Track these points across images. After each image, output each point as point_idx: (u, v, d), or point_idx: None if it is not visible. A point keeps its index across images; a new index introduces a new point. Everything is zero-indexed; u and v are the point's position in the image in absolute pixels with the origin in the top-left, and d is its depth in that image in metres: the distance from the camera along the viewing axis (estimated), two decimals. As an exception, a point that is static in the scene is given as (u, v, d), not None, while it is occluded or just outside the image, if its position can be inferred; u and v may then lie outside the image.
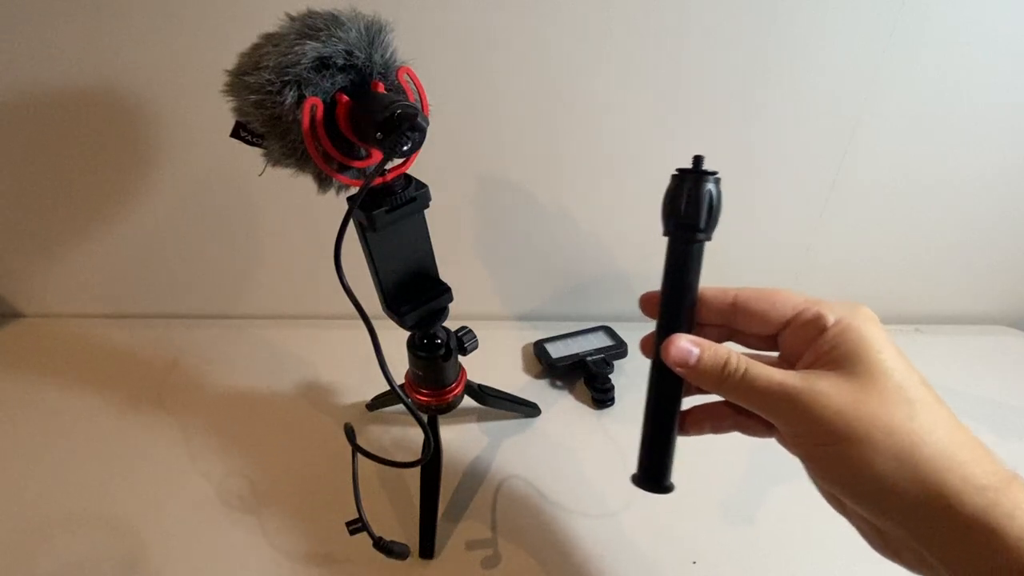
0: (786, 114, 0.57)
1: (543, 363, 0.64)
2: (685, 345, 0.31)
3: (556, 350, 0.65)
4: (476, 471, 0.53)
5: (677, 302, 0.33)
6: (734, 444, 0.55)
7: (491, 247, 0.67)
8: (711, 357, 0.31)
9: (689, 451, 0.54)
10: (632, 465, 0.54)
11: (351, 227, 0.35)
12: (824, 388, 0.27)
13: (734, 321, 0.33)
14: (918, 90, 0.55)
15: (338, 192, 0.37)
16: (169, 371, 0.64)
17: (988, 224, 0.65)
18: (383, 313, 0.44)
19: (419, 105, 0.35)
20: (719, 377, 0.30)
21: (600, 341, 0.66)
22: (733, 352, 0.31)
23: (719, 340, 0.34)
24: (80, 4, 0.50)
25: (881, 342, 0.28)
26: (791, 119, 0.57)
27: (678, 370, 0.31)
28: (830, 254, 0.67)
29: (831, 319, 0.29)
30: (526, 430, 0.57)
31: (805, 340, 0.30)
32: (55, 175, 0.60)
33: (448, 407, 0.50)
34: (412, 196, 0.39)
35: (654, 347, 0.33)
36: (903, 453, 0.26)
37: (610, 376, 0.61)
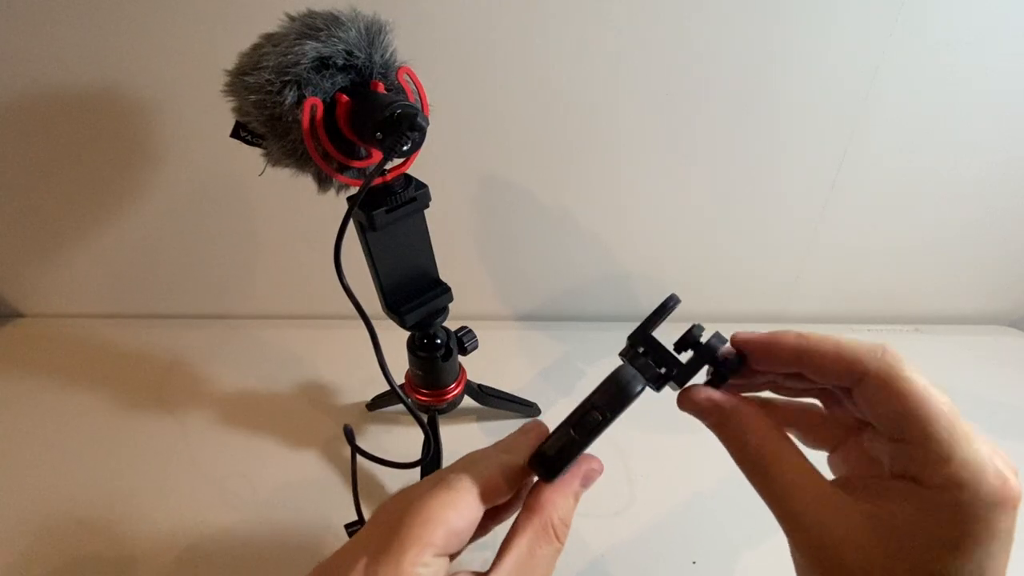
0: (786, 114, 0.57)
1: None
2: (703, 396, 0.26)
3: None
4: (476, 471, 0.53)
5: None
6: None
7: (491, 247, 0.67)
8: (728, 420, 0.25)
9: (690, 451, 0.55)
10: (632, 466, 0.54)
11: (351, 227, 0.35)
12: (845, 524, 0.22)
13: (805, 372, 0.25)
14: (918, 90, 0.55)
15: (338, 192, 0.37)
16: (169, 371, 0.64)
17: (988, 224, 0.65)
18: (383, 313, 0.44)
19: (419, 105, 0.35)
20: (730, 442, 0.26)
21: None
22: (759, 418, 0.25)
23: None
24: (80, 4, 0.50)
25: (979, 537, 0.21)
26: (791, 119, 0.57)
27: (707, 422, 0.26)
28: (830, 254, 0.67)
29: (937, 472, 0.21)
30: (526, 430, 0.57)
31: (880, 405, 0.23)
32: (55, 175, 0.60)
33: (448, 407, 0.50)
34: (412, 196, 0.39)
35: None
36: None
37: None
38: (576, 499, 0.27)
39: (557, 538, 0.26)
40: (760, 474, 0.25)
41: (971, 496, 0.20)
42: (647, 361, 0.27)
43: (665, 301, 0.27)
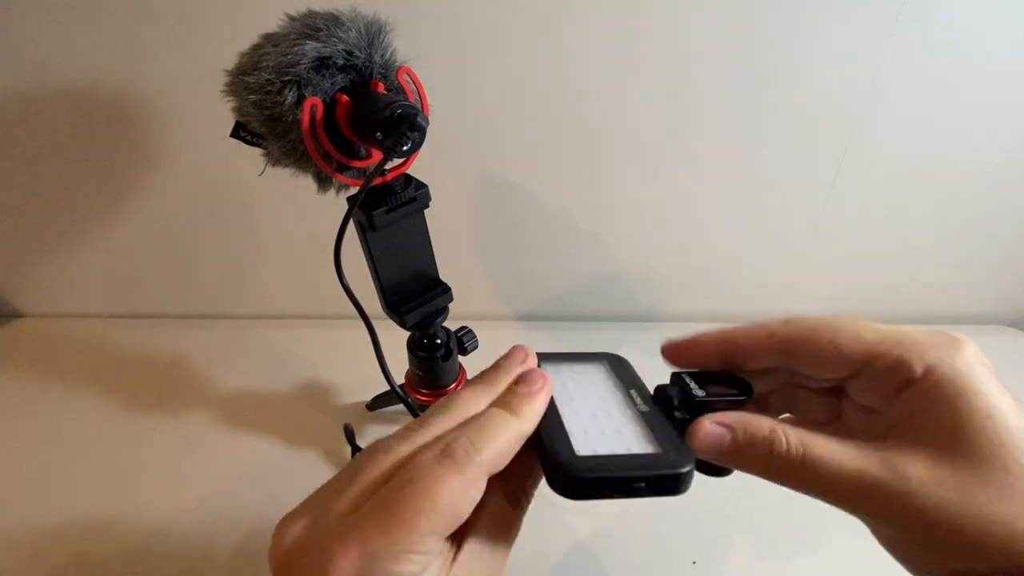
0: (786, 115, 0.57)
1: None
2: (711, 428, 0.23)
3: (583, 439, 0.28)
4: (476, 471, 0.53)
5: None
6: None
7: (491, 247, 0.67)
8: (747, 436, 0.23)
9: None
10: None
11: (351, 227, 0.35)
12: (917, 477, 0.20)
13: (791, 364, 0.25)
14: (917, 91, 0.55)
15: (338, 192, 0.37)
16: (169, 371, 0.63)
17: (988, 224, 0.65)
18: (383, 313, 0.44)
19: (419, 105, 0.35)
20: (766, 462, 0.23)
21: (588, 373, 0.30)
22: (780, 427, 0.23)
23: (775, 391, 0.27)
24: (80, 4, 0.50)
25: (990, 399, 0.21)
26: (791, 120, 0.57)
27: (713, 461, 0.24)
28: (830, 254, 0.67)
29: (918, 368, 0.21)
30: (526, 430, 0.57)
31: (883, 395, 0.22)
32: (55, 175, 0.60)
33: (448, 407, 0.50)
34: (412, 196, 0.39)
35: None
36: None
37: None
38: None
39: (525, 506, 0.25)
40: (801, 471, 0.23)
41: (946, 368, 0.21)
42: (685, 416, 0.26)
43: (743, 391, 0.26)
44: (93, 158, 0.59)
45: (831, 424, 0.25)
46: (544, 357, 0.29)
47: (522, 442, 0.23)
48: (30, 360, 0.65)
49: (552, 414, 0.25)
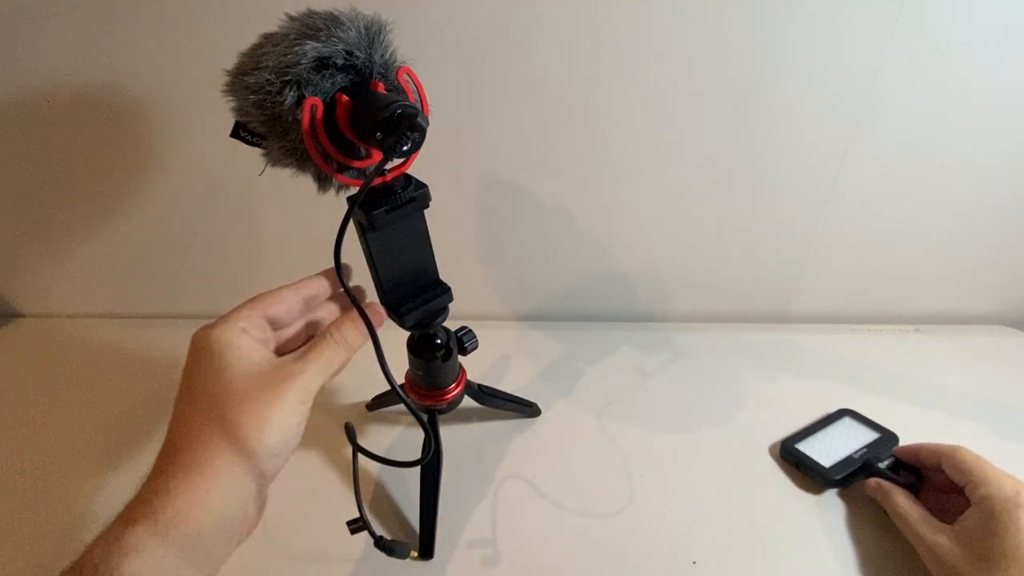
0: (786, 114, 0.57)
1: (807, 473, 0.52)
2: (871, 482, 0.49)
3: (817, 453, 0.52)
4: (476, 471, 0.53)
5: None
6: (734, 446, 0.55)
7: (491, 247, 0.67)
8: (883, 493, 0.47)
9: (690, 451, 0.55)
10: (632, 466, 0.54)
11: (351, 227, 0.35)
12: (942, 543, 0.40)
13: (944, 469, 0.46)
14: (918, 90, 0.55)
15: (338, 192, 0.37)
16: (169, 371, 0.63)
17: (987, 224, 0.65)
18: (383, 313, 0.44)
19: (419, 105, 0.35)
20: (889, 509, 0.46)
21: (861, 434, 0.54)
22: (901, 494, 0.46)
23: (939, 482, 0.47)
24: (81, 4, 0.50)
25: (1006, 527, 0.38)
26: (791, 119, 0.57)
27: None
28: (830, 254, 0.67)
29: (981, 495, 0.41)
30: (526, 430, 0.57)
31: (964, 503, 0.42)
32: (55, 175, 0.60)
33: (448, 407, 0.50)
34: (412, 196, 0.39)
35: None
36: None
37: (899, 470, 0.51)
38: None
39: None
40: (898, 521, 0.45)
41: (995, 500, 0.39)
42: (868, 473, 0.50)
43: (915, 476, 0.49)
44: (93, 159, 0.59)
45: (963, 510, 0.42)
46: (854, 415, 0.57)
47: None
48: (30, 360, 0.65)
49: (818, 425, 0.56)
